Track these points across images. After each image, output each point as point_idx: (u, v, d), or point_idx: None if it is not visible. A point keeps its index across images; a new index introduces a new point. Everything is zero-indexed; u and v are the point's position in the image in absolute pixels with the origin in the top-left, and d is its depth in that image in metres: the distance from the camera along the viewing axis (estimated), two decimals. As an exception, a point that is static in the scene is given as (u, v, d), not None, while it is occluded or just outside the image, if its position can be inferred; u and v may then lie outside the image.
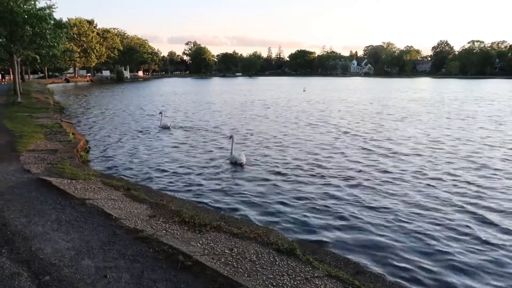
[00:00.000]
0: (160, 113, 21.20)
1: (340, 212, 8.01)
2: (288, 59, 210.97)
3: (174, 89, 62.89)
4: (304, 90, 56.50)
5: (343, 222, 7.52)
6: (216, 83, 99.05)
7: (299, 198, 8.88)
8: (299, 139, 16.40)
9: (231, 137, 12.65)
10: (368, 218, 7.72)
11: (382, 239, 6.79)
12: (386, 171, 11.10)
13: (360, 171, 11.15)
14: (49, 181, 8.03)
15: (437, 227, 7.30)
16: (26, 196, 7.27)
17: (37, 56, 29.59)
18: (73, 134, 14.86)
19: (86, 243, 5.42)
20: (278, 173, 10.95)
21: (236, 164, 11.76)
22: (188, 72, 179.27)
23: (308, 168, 11.47)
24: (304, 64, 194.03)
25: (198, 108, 30.41)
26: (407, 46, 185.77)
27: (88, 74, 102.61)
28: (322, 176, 10.66)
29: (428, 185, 9.86)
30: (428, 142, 15.76)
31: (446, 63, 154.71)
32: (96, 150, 14.32)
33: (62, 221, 6.12)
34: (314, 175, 10.75)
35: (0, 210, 6.57)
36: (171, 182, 10.12)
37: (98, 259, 5.00)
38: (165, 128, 19.26)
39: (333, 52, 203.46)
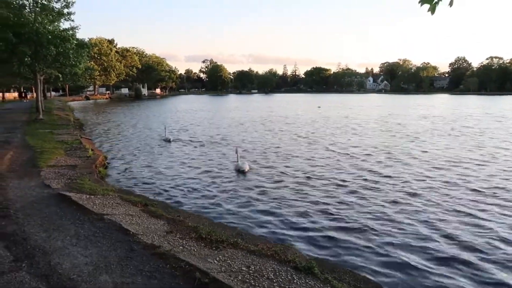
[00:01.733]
0: (164, 127, 23.39)
1: (358, 228, 7.86)
2: (303, 76, 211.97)
3: (190, 106, 63.80)
4: (319, 107, 56.59)
5: (362, 239, 7.37)
6: (232, 100, 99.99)
7: (314, 213, 8.80)
8: (301, 154, 16.54)
9: (236, 150, 14.10)
10: (389, 235, 7.54)
11: (404, 258, 6.60)
12: (407, 185, 10.91)
13: (376, 184, 11.00)
14: (69, 196, 8.13)
15: (461, 248, 7.09)
16: (46, 211, 7.37)
17: (59, 74, 30.43)
18: (92, 150, 15.11)
19: (104, 258, 5.43)
20: (295, 187, 10.99)
21: (239, 172, 13.03)
22: (204, 89, 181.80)
23: (320, 183, 11.47)
24: (319, 81, 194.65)
25: (212, 123, 30.76)
26: (424, 62, 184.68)
27: (108, 92, 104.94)
28: (336, 191, 10.59)
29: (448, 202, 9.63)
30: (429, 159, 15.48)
31: (464, 80, 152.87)
32: (114, 166, 14.54)
33: (80, 236, 6.16)
34: (328, 189, 10.66)
35: (21, 224, 6.67)
36: (185, 196, 10.37)
37: (115, 274, 4.99)
38: (167, 141, 20.96)
39: (348, 69, 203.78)
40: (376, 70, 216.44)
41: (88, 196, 8.35)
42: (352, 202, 9.75)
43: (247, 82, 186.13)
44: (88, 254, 5.54)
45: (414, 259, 6.58)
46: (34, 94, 49.26)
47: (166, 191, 10.97)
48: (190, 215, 8.34)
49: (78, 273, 5.01)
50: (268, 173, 13.03)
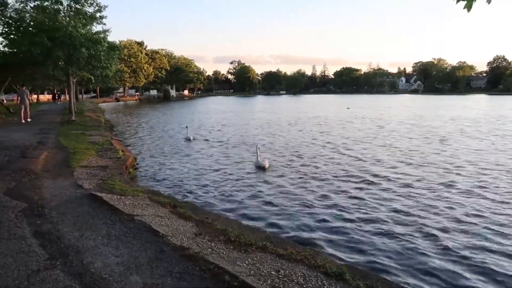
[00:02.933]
0: (186, 127, 25.14)
1: (391, 234, 7.69)
2: (333, 76, 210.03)
3: (217, 107, 64.56)
4: (348, 108, 56.05)
5: (396, 245, 7.21)
6: (260, 101, 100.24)
7: (343, 216, 8.74)
8: (324, 154, 16.47)
9: (257, 147, 15.22)
10: (424, 242, 7.35)
11: (444, 268, 6.41)
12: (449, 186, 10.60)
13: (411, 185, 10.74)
14: (100, 197, 8.37)
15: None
16: (79, 210, 7.61)
17: (91, 76, 31.44)
18: (122, 151, 15.50)
19: (135, 259, 5.55)
20: (321, 189, 11.01)
21: (259, 168, 14.18)
22: (232, 90, 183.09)
23: (345, 185, 11.39)
24: (349, 82, 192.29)
25: (238, 124, 31.01)
26: (460, 61, 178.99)
27: (137, 93, 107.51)
28: (363, 193, 10.50)
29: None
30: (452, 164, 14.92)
31: (504, 79, 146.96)
32: (143, 167, 14.89)
33: (112, 236, 6.33)
34: (354, 192, 10.55)
35: (56, 223, 6.92)
36: (211, 196, 10.61)
37: (145, 275, 5.09)
38: (188, 140, 22.51)
39: (380, 69, 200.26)
40: (409, 69, 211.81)
41: (118, 197, 8.57)
42: (382, 205, 9.58)
43: (275, 83, 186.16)
44: (119, 254, 5.68)
45: (456, 269, 6.36)
46: (67, 96, 51.19)
47: (193, 191, 11.19)
48: (218, 217, 8.40)
49: (109, 272, 5.15)
50: (290, 172, 13.50)
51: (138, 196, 8.81)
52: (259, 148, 15.41)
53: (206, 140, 22.92)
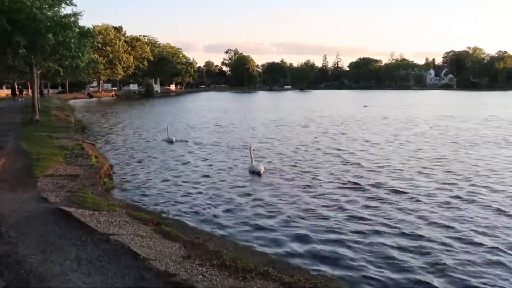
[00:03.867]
0: (167, 127, 25.70)
1: (416, 253, 7.68)
2: (347, 68, 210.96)
3: (210, 105, 64.81)
4: (365, 107, 56.26)
5: (421, 270, 7.20)
6: (261, 97, 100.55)
7: (357, 235, 8.80)
8: (326, 160, 16.59)
9: (250, 149, 15.70)
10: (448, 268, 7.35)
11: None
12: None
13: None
14: (69, 212, 8.34)
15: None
16: (43, 229, 7.58)
17: (59, 68, 31.45)
18: (95, 157, 15.50)
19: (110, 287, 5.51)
20: (330, 199, 11.14)
21: (253, 173, 14.71)
22: (227, 85, 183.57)
23: (358, 194, 11.58)
24: (367, 75, 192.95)
25: (230, 125, 31.13)
26: (500, 51, 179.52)
27: (114, 88, 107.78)
28: (377, 204, 10.73)
29: None
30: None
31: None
32: (120, 175, 14.91)
33: (82, 260, 6.29)
34: (369, 199, 10.63)
35: (14, 244, 6.88)
36: (202, 211, 10.73)
37: (123, 307, 5.05)
38: (169, 142, 23.31)
39: (403, 59, 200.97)
40: (439, 61, 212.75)
41: (91, 212, 8.54)
42: (400, 223, 9.62)
43: (279, 77, 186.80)
44: (90, 282, 5.64)
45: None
46: (30, 91, 51.26)
47: (179, 205, 11.25)
48: (210, 236, 8.37)
49: (79, 304, 5.11)
50: (289, 178, 14.25)
51: (115, 212, 8.78)
52: (253, 150, 15.91)
53: (193, 142, 23.52)
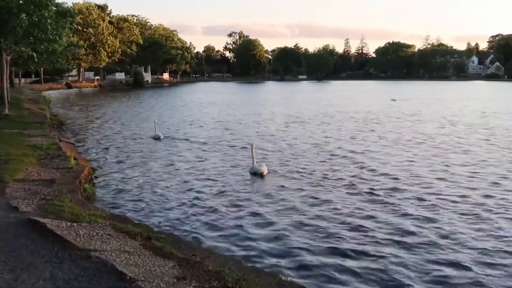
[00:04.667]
0: (155, 122, 26.23)
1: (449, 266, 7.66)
2: (374, 55, 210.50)
3: (209, 97, 64.93)
4: (393, 100, 56.04)
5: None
6: (270, 88, 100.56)
7: (376, 248, 8.87)
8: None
9: (251, 147, 16.15)
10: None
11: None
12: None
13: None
14: (43, 224, 8.37)
15: None
16: (12, 243, 7.60)
17: (33, 53, 31.55)
18: (75, 158, 15.54)
19: (90, 313, 5.53)
20: (340, 199, 11.14)
21: (255, 175, 15.23)
22: (231, 74, 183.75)
23: (374, 199, 11.57)
24: (397, 63, 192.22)
25: (231, 121, 31.20)
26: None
27: (97, 77, 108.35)
28: (402, 214, 10.67)
29: None
30: None
31: None
32: (104, 180, 15.01)
33: (58, 281, 6.30)
34: (392, 210, 10.61)
35: (-21, 261, 6.91)
36: (198, 222, 10.79)
37: (106, 337, 5.07)
38: (157, 139, 24.28)
39: (441, 44, 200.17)
40: (483, 46, 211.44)
41: (69, 224, 8.56)
42: (432, 236, 9.64)
43: (292, 64, 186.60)
44: (68, 306, 5.65)
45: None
46: (-2, 81, 51.47)
47: (173, 215, 11.34)
48: (209, 253, 8.37)
49: (54, 332, 5.13)
50: (295, 181, 14.64)
51: (97, 223, 8.80)
52: (254, 148, 16.30)
53: (187, 140, 24.23)
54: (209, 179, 15.10)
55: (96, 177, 15.15)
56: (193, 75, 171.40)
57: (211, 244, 9.28)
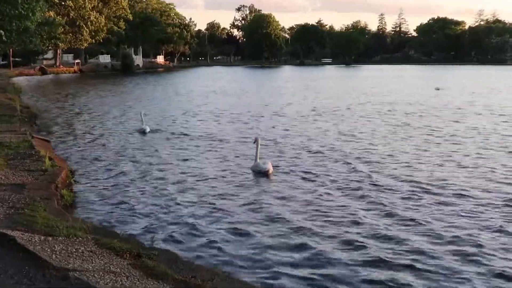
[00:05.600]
0: (141, 114, 27.13)
1: None
2: (415, 33, 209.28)
3: (212, 85, 65.00)
4: (437, 89, 55.71)
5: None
6: (287, 75, 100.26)
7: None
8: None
9: (255, 140, 16.75)
10: None
11: None
12: None
13: None
14: (12, 237, 8.40)
15: None
16: (-25, 260, 7.65)
17: (1, 31, 31.73)
18: (50, 159, 15.56)
19: None
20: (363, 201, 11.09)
21: (260, 174, 15.87)
22: (239, 57, 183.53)
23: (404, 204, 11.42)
24: (444, 43, 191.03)
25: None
26: None
27: (77, 61, 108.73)
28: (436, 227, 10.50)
29: None
30: None
31: None
32: (85, 186, 14.93)
33: (30, 306, 6.34)
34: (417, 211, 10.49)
35: None
36: (197, 235, 10.77)
37: None
38: (142, 132, 25.21)
39: (497, 21, 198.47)
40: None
41: (43, 238, 8.59)
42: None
43: (315, 45, 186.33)
44: (41, 337, 5.67)
45: None
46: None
47: (166, 227, 11.27)
48: (212, 274, 8.36)
49: None
50: (305, 181, 15.16)
51: (77, 238, 8.82)
52: (259, 143, 16.95)
53: (179, 134, 24.97)
54: (206, 181, 15.35)
55: (75, 181, 15.14)
56: (194, 58, 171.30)
57: (214, 263, 9.28)
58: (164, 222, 11.71)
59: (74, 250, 8.20)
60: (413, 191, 14.22)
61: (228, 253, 9.84)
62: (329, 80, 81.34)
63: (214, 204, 12.96)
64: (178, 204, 13.06)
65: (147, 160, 18.69)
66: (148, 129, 25.33)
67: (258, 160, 16.41)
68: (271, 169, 16.02)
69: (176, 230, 11.16)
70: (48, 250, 8.06)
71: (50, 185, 12.53)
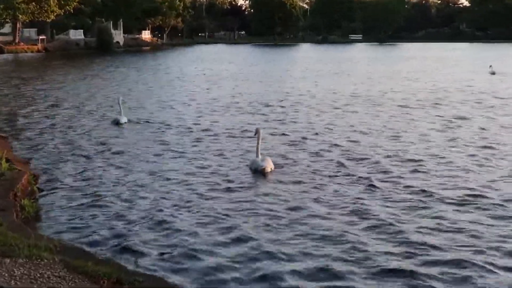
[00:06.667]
0: (119, 101, 27.45)
1: None
2: (467, 3, 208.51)
3: (209, 67, 65.02)
4: (492, 73, 55.60)
5: None
6: (307, 56, 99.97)
7: None
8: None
9: (256, 132, 17.37)
10: None
11: None
12: None
13: None
14: (-41, 258, 8.43)
15: None
16: None
17: None
18: (8, 160, 15.60)
19: None
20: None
21: (256, 171, 16.52)
22: (246, 33, 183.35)
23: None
24: (503, 16, 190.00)
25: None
26: None
27: (41, 37, 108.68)
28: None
29: None
30: None
31: None
32: (51, 193, 14.92)
33: None
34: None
35: None
36: (190, 251, 10.82)
37: None
38: (117, 124, 25.95)
39: None
40: None
41: (-2, 259, 8.61)
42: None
43: (340, 18, 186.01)
44: None
45: None
46: None
47: (152, 243, 11.22)
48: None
49: None
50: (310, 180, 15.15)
51: (41, 259, 8.82)
52: (261, 135, 17.58)
53: (162, 126, 25.60)
54: (195, 185, 15.45)
55: (39, 189, 15.12)
56: (189, 35, 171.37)
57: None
58: (150, 239, 11.55)
59: (38, 275, 8.20)
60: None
61: (226, 278, 9.85)
62: (358, 63, 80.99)
63: (206, 216, 12.85)
64: (164, 213, 13.06)
65: (125, 160, 18.84)
66: (124, 120, 25.77)
67: (259, 156, 16.90)
68: (269, 167, 16.46)
69: (162, 246, 11.10)
70: (6, 275, 8.07)
71: (7, 194, 12.54)
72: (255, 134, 17.48)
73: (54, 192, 15.17)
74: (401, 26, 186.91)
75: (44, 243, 9.70)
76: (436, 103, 34.27)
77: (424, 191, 14.83)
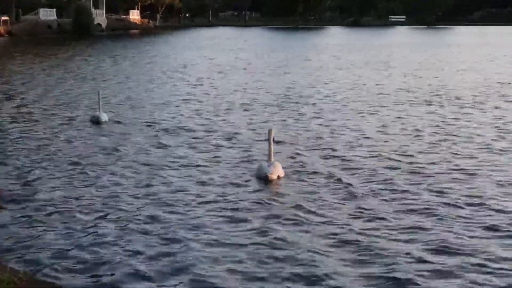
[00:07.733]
0: (98, 93, 28.09)
1: None
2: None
3: (213, 56, 65.53)
4: None
5: None
6: (336, 42, 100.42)
7: None
8: None
9: (269, 135, 17.40)
10: None
11: None
12: None
13: None
14: None
15: None
16: None
17: None
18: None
19: None
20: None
21: (262, 178, 16.92)
22: (258, 13, 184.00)
23: None
24: None
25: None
26: None
27: (4, 18, 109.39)
28: None
29: None
30: None
31: None
32: (14, 214, 14.81)
33: None
34: None
35: None
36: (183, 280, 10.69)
37: None
38: (96, 122, 26.73)
39: None
40: None
41: None
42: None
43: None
44: None
45: None
46: None
47: (136, 274, 11.10)
48: None
49: None
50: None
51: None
52: (273, 137, 17.71)
53: (148, 125, 26.07)
54: (189, 198, 15.38)
55: (1, 206, 15.21)
56: (189, 16, 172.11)
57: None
58: (134, 268, 11.42)
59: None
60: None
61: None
62: (401, 50, 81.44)
63: (205, 237, 12.76)
64: (152, 235, 12.97)
65: (103, 169, 18.74)
66: (105, 118, 26.28)
67: (267, 162, 17.26)
68: (275, 174, 16.82)
69: (151, 278, 11.09)
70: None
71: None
72: (268, 140, 17.51)
73: (17, 212, 14.99)
74: (451, 7, 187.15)
75: (7, 276, 9.70)
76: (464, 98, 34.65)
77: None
